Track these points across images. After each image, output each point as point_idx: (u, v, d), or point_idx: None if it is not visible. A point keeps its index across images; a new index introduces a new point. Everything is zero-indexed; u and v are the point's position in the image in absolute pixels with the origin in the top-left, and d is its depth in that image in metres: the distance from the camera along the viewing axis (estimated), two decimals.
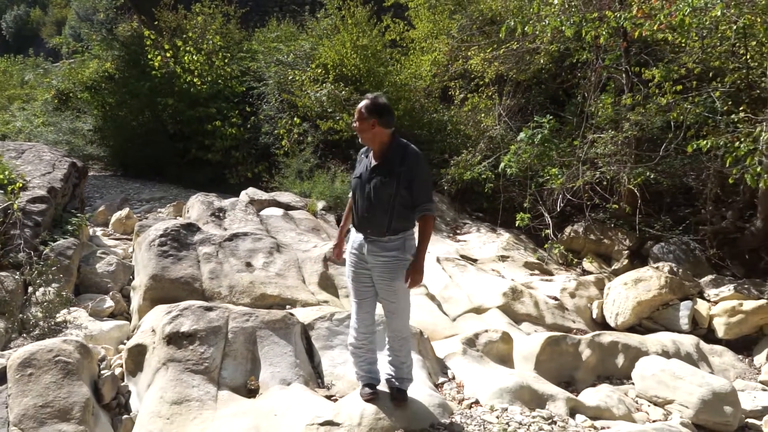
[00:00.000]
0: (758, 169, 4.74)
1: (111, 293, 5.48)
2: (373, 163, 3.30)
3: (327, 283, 5.91)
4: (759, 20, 5.52)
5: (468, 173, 8.61)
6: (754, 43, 7.06)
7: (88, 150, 12.80)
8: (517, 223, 7.83)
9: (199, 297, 5.12)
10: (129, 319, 5.22)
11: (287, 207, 8.16)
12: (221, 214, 7.22)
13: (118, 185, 11.34)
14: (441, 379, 4.24)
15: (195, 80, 11.45)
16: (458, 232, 8.82)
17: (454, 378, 4.29)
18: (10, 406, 3.12)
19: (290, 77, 10.87)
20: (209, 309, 4.00)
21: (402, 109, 10.10)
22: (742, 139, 4.94)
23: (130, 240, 7.06)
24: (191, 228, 5.97)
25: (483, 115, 9.76)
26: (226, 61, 12.05)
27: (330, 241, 6.82)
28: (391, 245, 3.31)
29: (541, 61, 9.18)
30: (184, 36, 11.96)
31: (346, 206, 3.58)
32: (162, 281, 5.11)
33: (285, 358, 3.89)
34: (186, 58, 11.52)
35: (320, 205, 8.44)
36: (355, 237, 3.44)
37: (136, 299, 5.19)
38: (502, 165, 8.07)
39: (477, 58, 9.56)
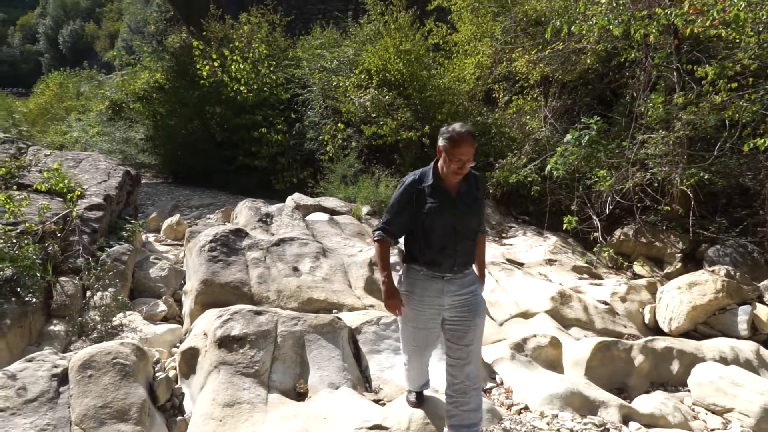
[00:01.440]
0: None
1: (164, 297, 5.64)
2: (455, 189, 3.04)
3: (373, 288, 5.93)
4: None
5: (514, 176, 8.52)
6: None
7: (140, 158, 13.20)
8: (564, 226, 7.69)
9: (248, 301, 5.22)
10: (181, 323, 5.36)
11: (332, 212, 8.23)
12: (268, 220, 7.34)
13: (168, 192, 11.65)
14: (489, 385, 4.19)
15: (241, 88, 11.68)
16: (504, 236, 8.73)
17: (502, 383, 4.24)
18: (72, 406, 3.24)
19: (334, 83, 10.98)
20: (258, 313, 4.07)
21: (446, 112, 10.07)
22: None
23: (181, 246, 7.25)
24: (239, 233, 6.08)
25: (528, 117, 9.64)
26: (271, 69, 12.25)
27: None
28: (469, 279, 3.13)
29: (588, 62, 9.02)
30: (231, 45, 12.22)
31: (379, 246, 3.10)
32: (212, 286, 5.22)
33: (333, 362, 3.92)
34: (233, 67, 11.77)
35: (365, 209, 8.48)
36: (427, 281, 3.07)
37: (188, 303, 5.32)
38: (548, 167, 7.95)
39: (522, 60, 9.46)
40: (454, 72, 11.07)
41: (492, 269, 6.84)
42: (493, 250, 7.75)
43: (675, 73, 7.59)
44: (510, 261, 7.38)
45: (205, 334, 4.00)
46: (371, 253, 6.41)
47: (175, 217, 8.20)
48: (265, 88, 12.10)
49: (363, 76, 10.76)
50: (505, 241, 8.48)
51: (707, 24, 4.91)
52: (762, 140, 5.17)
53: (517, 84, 10.48)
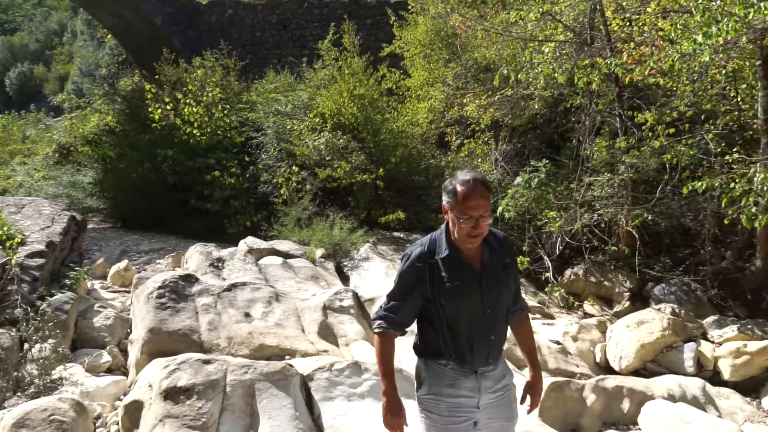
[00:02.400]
0: (753, 210, 4.76)
1: (108, 348, 5.43)
2: (478, 260, 2.44)
3: (327, 332, 5.85)
4: (747, 64, 5.64)
5: None
6: (744, 86, 7.20)
7: (88, 203, 12.86)
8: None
9: (197, 349, 5.06)
10: (126, 374, 5.15)
11: (286, 255, 8.15)
12: (220, 264, 7.21)
13: (117, 237, 11.35)
14: None
15: (194, 132, 11.61)
16: None
17: None
18: None
19: (288, 127, 11.04)
20: (207, 362, 3.95)
21: (399, 155, 10.21)
22: (737, 180, 4.98)
23: (129, 293, 7.03)
24: (189, 279, 5.95)
25: (479, 160, 9.86)
26: (225, 112, 12.24)
27: (329, 289, 6.78)
28: (501, 369, 2.57)
29: (536, 107, 9.34)
30: (184, 89, 12.19)
31: (380, 340, 2.50)
32: (160, 334, 5.06)
33: (284, 411, 3.82)
34: (186, 110, 11.71)
35: (319, 252, 8.43)
36: (458, 377, 2.45)
37: (134, 353, 5.13)
38: (500, 209, 8.10)
39: (472, 105, 9.73)
40: (408, 116, 11.27)
41: None
42: None
43: (618, 119, 7.92)
44: None
45: (150, 385, 3.85)
46: (325, 297, 6.33)
47: (123, 263, 7.98)
48: (219, 132, 12.05)
49: (317, 120, 10.85)
50: None
51: (645, 73, 5.17)
52: (700, 183, 5.41)
53: (468, 128, 10.74)
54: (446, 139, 11.42)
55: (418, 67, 11.83)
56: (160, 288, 5.57)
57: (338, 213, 9.61)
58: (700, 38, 4.34)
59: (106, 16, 18.91)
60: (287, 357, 5.18)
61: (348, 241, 8.64)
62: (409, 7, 12.49)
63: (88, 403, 3.75)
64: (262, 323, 5.64)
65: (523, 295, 2.81)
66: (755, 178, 4.73)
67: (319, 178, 10.06)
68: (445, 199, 2.40)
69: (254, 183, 11.36)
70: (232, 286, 6.07)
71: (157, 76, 13.24)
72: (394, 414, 2.45)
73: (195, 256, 7.40)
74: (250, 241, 8.51)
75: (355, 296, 6.66)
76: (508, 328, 2.63)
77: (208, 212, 11.40)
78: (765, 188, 4.61)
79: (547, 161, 8.10)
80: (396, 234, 9.59)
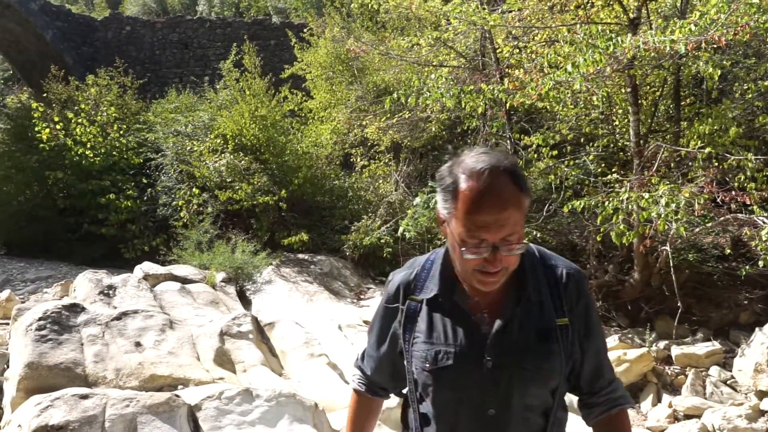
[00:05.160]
0: (622, 227, 5.15)
1: None
2: (492, 307, 1.45)
3: (223, 359, 5.72)
4: (615, 91, 6.13)
5: (367, 238, 8.76)
6: (620, 111, 7.79)
7: None
8: None
9: (81, 383, 4.79)
10: (1, 415, 4.80)
11: (184, 280, 7.91)
12: (111, 292, 6.89)
13: (0, 266, 10.59)
14: None
15: (87, 152, 11.09)
16: (362, 297, 8.86)
17: None
18: None
19: (188, 148, 10.78)
20: (85, 397, 3.76)
21: (302, 176, 10.21)
22: (609, 199, 5.36)
23: (9, 325, 6.57)
24: (75, 308, 5.64)
25: (381, 181, 10.04)
26: (121, 132, 11.79)
27: (228, 314, 6.64)
28: None
29: (434, 129, 9.64)
30: (76, 108, 11.64)
31: (352, 398, 1.79)
32: (39, 369, 4.75)
33: None
34: (78, 130, 11.18)
35: (220, 276, 8.25)
36: None
37: (10, 391, 4.79)
38: (401, 229, 8.27)
39: (372, 127, 9.92)
40: (312, 137, 11.31)
41: (348, 332, 6.88)
42: (350, 313, 7.83)
43: (508, 141, 8.32)
44: (366, 323, 7.48)
45: (19, 425, 3.61)
46: (223, 322, 6.19)
47: (5, 293, 7.49)
48: (114, 152, 11.58)
49: (218, 141, 10.68)
50: (362, 302, 8.61)
51: (525, 99, 5.49)
52: (578, 202, 5.77)
53: (371, 149, 10.92)
54: (351, 160, 11.55)
55: (321, 88, 11.93)
56: (40, 319, 5.24)
57: (241, 236, 9.46)
58: (569, 67, 4.68)
59: None
60: (180, 387, 5.01)
61: (250, 264, 8.52)
62: (310, 29, 12.58)
63: None
64: (153, 352, 5.43)
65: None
66: (623, 197, 5.12)
67: (220, 201, 9.87)
68: (440, 200, 1.40)
69: (153, 206, 10.97)
70: (123, 315, 5.81)
71: (45, 94, 12.56)
72: None
73: (84, 284, 7.04)
74: (146, 267, 8.20)
75: (255, 320, 6.56)
76: None
77: (102, 237, 10.89)
78: (631, 207, 5.00)
79: None
80: (300, 256, 9.55)
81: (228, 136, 10.64)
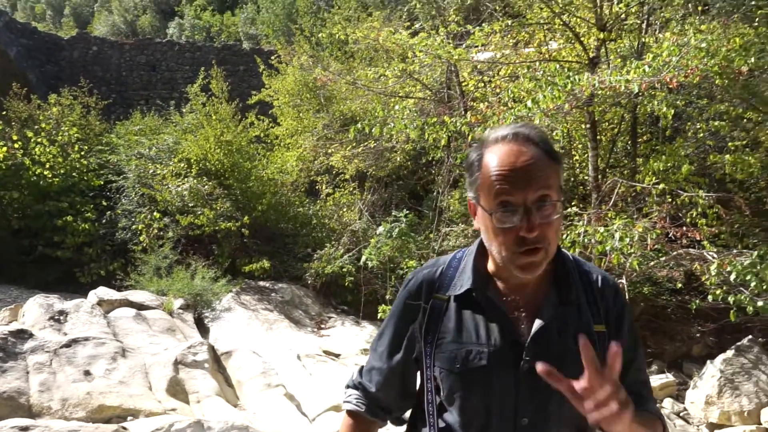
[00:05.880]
0: None
1: None
2: (532, 312, 1.35)
3: (177, 389, 5.58)
4: (576, 127, 6.28)
5: (329, 267, 8.71)
6: (580, 146, 7.98)
7: None
8: (379, 315, 7.93)
9: (24, 414, 4.61)
10: None
11: (141, 307, 7.72)
12: (62, 318, 6.68)
13: None
14: None
15: (45, 173, 10.83)
16: (323, 326, 8.76)
17: None
18: None
19: (151, 171, 10.64)
20: (25, 429, 3.61)
21: (267, 203, 10.13)
22: (568, 232, 5.45)
23: None
24: (21, 335, 5.46)
25: (345, 209, 10.04)
26: (82, 153, 11.56)
27: (184, 343, 6.49)
28: None
29: (398, 159, 9.71)
30: (37, 127, 11.40)
31: (345, 422, 1.60)
32: None
33: None
34: (37, 149, 10.93)
35: (178, 303, 8.07)
36: None
37: None
38: (363, 258, 8.25)
39: (337, 155, 9.95)
40: (277, 164, 11.28)
41: (306, 362, 6.78)
42: (309, 342, 7.73)
43: None
44: (326, 352, 7.39)
45: None
46: (178, 350, 6.05)
47: None
48: (74, 174, 11.33)
49: (182, 165, 10.56)
50: (323, 332, 8.52)
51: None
52: None
53: (337, 177, 10.94)
54: (316, 187, 11.54)
55: (288, 115, 11.94)
56: None
57: (201, 262, 9.31)
58: (530, 103, 4.79)
59: None
60: (130, 417, 4.86)
61: (210, 291, 8.38)
62: (279, 56, 12.64)
63: None
64: (103, 382, 5.27)
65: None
66: (581, 230, 5.22)
67: (181, 225, 9.72)
68: (468, 187, 1.35)
69: (112, 229, 10.74)
70: (73, 342, 5.64)
71: (4, 112, 12.28)
72: None
73: (33, 309, 6.80)
74: (101, 292, 7.99)
75: (211, 349, 6.44)
76: None
77: (58, 260, 10.57)
78: (588, 240, 5.10)
79: (408, 212, 8.41)
80: (261, 283, 9.43)
81: (192, 161, 10.54)
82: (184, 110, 12.49)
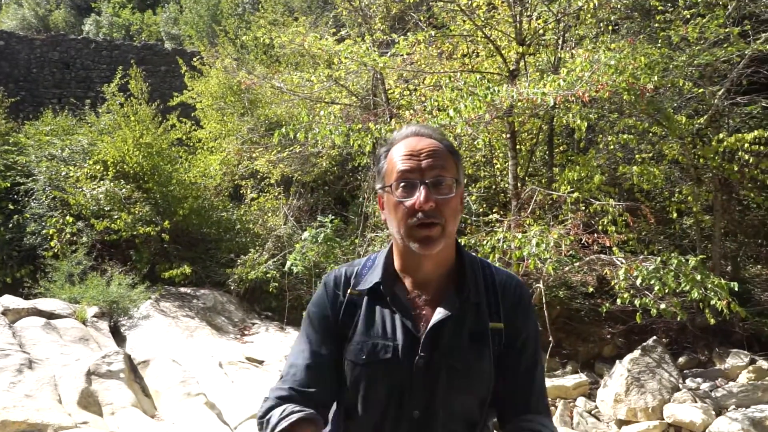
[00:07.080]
0: (498, 265, 5.41)
1: None
2: (432, 299, 1.45)
3: (89, 401, 5.33)
4: (497, 136, 6.50)
5: (253, 272, 8.58)
6: (501, 155, 8.24)
7: None
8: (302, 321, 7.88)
9: None
10: None
11: (51, 315, 7.33)
12: None
13: None
14: None
15: None
16: (246, 333, 8.61)
17: None
18: None
19: (64, 173, 10.13)
20: None
21: (188, 207, 9.86)
22: (488, 238, 5.63)
23: None
24: None
25: (270, 214, 9.92)
26: None
27: (98, 352, 6.21)
28: None
29: (324, 164, 9.70)
30: None
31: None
32: None
33: None
34: None
35: (92, 311, 7.72)
36: None
37: None
38: (288, 263, 8.18)
39: (262, 159, 9.82)
40: (200, 167, 11.00)
41: (228, 369, 6.64)
42: (232, 349, 7.57)
43: None
44: (249, 359, 7.26)
45: None
46: (90, 361, 5.78)
47: None
48: None
49: (98, 167, 10.11)
50: (246, 338, 8.37)
51: None
52: (460, 240, 5.99)
53: (262, 182, 10.79)
54: (241, 192, 11.34)
55: (211, 118, 11.68)
56: None
57: (118, 268, 8.95)
58: (452, 112, 4.93)
59: None
60: None
61: (127, 298, 8.07)
62: (201, 58, 12.34)
63: None
64: (7, 396, 4.97)
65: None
66: (500, 237, 5.40)
67: (96, 230, 9.30)
68: (377, 178, 1.48)
69: (19, 234, 10.13)
70: None
71: None
72: None
73: None
74: (5, 301, 7.52)
75: (127, 358, 6.19)
76: None
77: None
78: (507, 246, 5.28)
79: (334, 217, 8.41)
80: (182, 290, 9.16)
81: (109, 163, 10.11)
82: (100, 110, 11.96)
